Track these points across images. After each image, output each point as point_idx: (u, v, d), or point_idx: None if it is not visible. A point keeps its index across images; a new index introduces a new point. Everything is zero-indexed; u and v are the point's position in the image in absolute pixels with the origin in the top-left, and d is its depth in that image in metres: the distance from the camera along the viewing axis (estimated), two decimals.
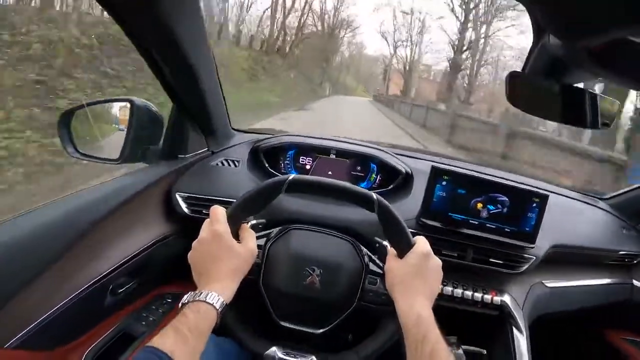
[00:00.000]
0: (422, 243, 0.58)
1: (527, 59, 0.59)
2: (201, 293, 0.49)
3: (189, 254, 0.55)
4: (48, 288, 0.58)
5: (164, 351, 0.41)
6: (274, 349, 0.58)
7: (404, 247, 0.57)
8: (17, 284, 0.54)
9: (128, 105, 0.85)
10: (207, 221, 0.56)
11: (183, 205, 0.82)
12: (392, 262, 0.57)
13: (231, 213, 0.57)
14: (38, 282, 0.56)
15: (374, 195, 0.58)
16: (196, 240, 0.55)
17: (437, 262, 0.57)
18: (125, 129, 0.85)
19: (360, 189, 0.59)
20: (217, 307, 0.49)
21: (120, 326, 0.75)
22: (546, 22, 0.42)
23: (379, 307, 0.61)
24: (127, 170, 0.87)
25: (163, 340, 0.43)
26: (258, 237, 0.60)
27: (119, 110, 0.90)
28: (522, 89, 0.61)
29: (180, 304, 0.50)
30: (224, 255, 0.53)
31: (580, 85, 0.58)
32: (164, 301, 0.85)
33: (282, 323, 0.61)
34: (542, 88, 0.60)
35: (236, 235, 0.57)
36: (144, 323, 0.78)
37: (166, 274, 0.90)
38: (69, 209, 0.67)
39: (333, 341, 0.64)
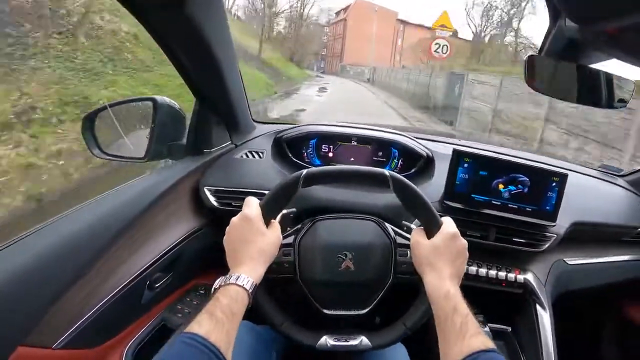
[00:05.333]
0: (449, 224, 0.61)
1: (544, 41, 0.65)
2: (231, 276, 0.53)
3: (224, 238, 0.60)
4: (89, 288, 0.64)
5: (200, 335, 0.44)
6: (324, 338, 0.63)
7: (432, 228, 0.61)
8: (61, 285, 0.59)
9: (151, 103, 0.92)
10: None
11: (212, 199, 0.89)
12: (420, 239, 0.61)
13: (263, 206, 0.62)
14: (80, 282, 0.62)
15: (386, 171, 0.62)
16: (229, 225, 0.60)
17: (463, 243, 0.60)
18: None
19: (371, 168, 0.63)
20: (248, 289, 0.53)
21: (157, 320, 0.82)
22: (562, 6, 0.47)
23: (414, 277, 0.64)
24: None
25: (199, 325, 0.46)
26: (287, 236, 0.66)
27: None
28: (540, 71, 0.67)
29: (212, 289, 0.54)
30: (253, 238, 0.58)
31: (596, 66, 0.64)
32: (197, 293, 0.91)
33: (327, 312, 0.65)
34: (560, 69, 0.66)
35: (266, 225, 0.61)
36: (179, 315, 0.84)
37: (200, 266, 0.96)
38: (103, 211, 0.72)
39: (374, 319, 0.68)
